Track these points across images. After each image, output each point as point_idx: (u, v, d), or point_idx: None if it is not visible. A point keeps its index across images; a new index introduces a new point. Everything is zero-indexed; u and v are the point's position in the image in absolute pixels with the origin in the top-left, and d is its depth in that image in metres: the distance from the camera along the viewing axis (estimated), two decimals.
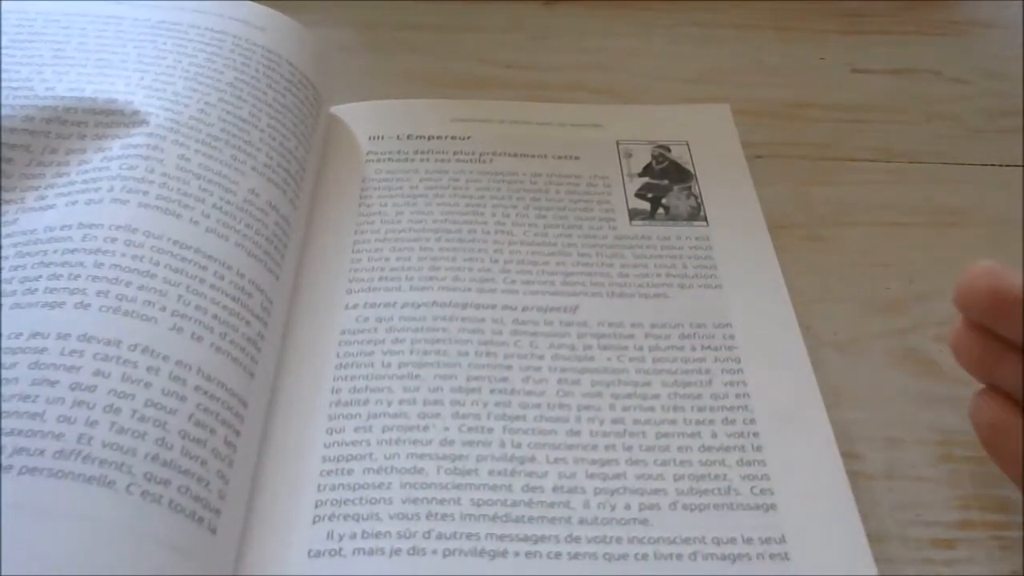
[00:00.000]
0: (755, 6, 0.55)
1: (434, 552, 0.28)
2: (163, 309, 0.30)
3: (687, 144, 0.43)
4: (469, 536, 0.29)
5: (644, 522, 0.29)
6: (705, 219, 0.40)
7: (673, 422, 0.32)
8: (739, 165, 0.43)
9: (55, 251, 0.31)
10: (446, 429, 0.31)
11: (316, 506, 0.29)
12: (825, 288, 0.38)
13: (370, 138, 0.43)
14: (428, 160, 0.42)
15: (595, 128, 0.44)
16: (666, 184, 0.41)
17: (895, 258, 0.40)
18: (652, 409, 0.32)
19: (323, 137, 0.42)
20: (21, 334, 0.28)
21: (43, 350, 0.28)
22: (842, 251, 0.40)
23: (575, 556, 0.28)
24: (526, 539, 0.29)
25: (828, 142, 0.46)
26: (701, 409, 0.33)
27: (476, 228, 0.39)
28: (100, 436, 0.26)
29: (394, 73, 0.49)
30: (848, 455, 0.32)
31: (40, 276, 0.30)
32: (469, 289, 0.36)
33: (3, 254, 0.31)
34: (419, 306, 0.35)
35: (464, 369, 0.33)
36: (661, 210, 0.40)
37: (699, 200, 0.41)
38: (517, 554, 0.28)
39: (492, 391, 0.33)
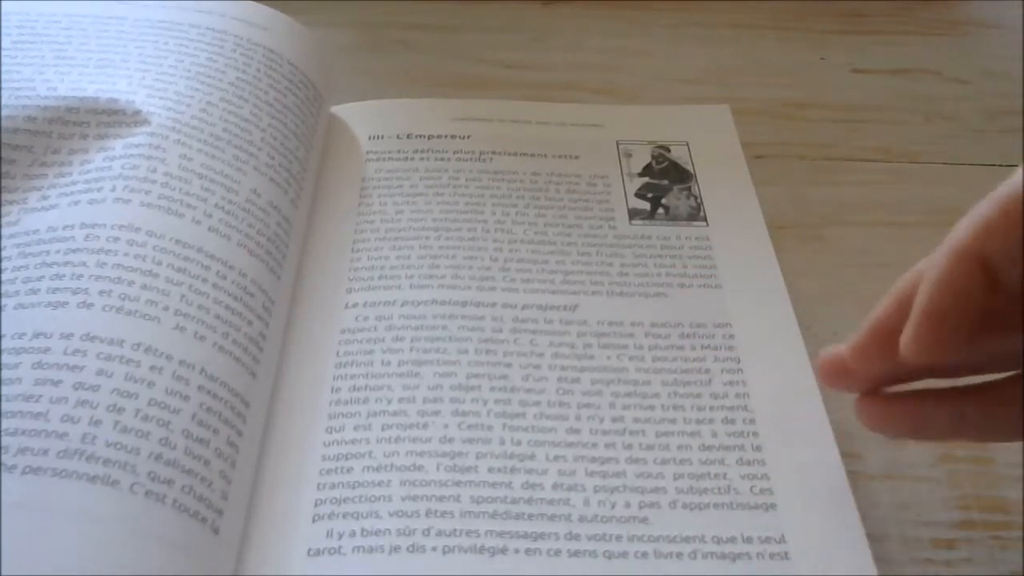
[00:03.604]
0: (755, 6, 0.55)
1: (434, 549, 0.28)
2: (166, 309, 0.30)
3: (687, 144, 0.43)
4: (469, 533, 0.29)
5: (644, 520, 0.29)
6: (705, 219, 0.40)
7: (673, 421, 0.32)
8: (739, 165, 0.43)
9: (58, 251, 0.31)
10: (446, 427, 0.32)
11: (316, 505, 0.29)
12: (825, 288, 0.39)
13: (370, 137, 0.43)
14: (428, 159, 0.42)
15: (595, 128, 0.44)
16: (666, 184, 0.42)
17: (895, 258, 0.40)
18: (652, 408, 0.33)
19: (323, 137, 0.42)
20: (24, 334, 0.28)
21: (46, 350, 0.28)
22: (842, 251, 0.40)
23: (575, 554, 0.28)
24: (526, 536, 0.29)
25: (828, 142, 0.46)
26: (701, 408, 0.33)
27: (476, 226, 0.39)
28: (104, 435, 0.26)
29: (394, 73, 0.49)
30: (848, 455, 0.32)
31: (43, 276, 0.30)
32: (469, 287, 0.36)
33: (6, 254, 0.31)
34: (419, 304, 0.36)
35: (464, 367, 0.33)
36: (661, 210, 0.40)
37: (699, 200, 0.41)
38: (517, 551, 0.28)
39: (492, 389, 0.33)
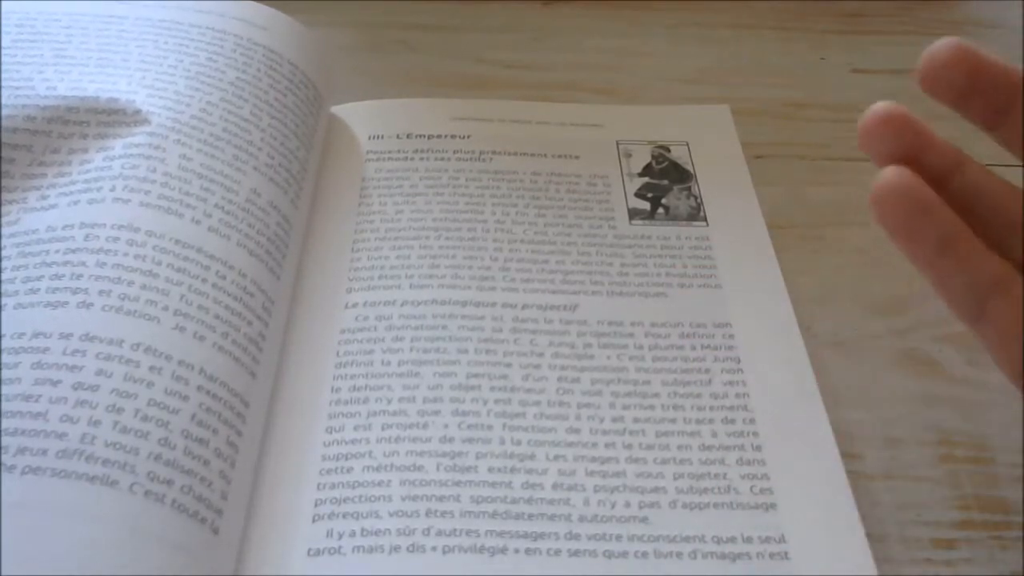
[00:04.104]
0: (755, 6, 0.55)
1: (434, 549, 0.28)
2: (165, 309, 0.30)
3: (687, 144, 0.43)
4: (469, 533, 0.29)
5: (644, 520, 0.29)
6: (705, 219, 0.40)
7: (673, 421, 0.32)
8: (739, 165, 0.43)
9: (57, 251, 0.31)
10: (446, 427, 0.32)
11: (316, 505, 0.29)
12: (825, 288, 0.39)
13: (370, 137, 0.43)
14: (428, 159, 0.42)
15: (595, 128, 0.44)
16: (666, 184, 0.42)
17: (895, 258, 0.40)
18: (652, 408, 0.33)
19: (323, 137, 0.42)
20: (24, 334, 0.28)
21: (45, 350, 0.28)
22: (842, 251, 0.40)
23: (575, 554, 0.28)
24: (526, 536, 0.29)
25: (828, 142, 0.46)
26: (701, 408, 0.33)
27: (476, 226, 0.39)
28: (103, 436, 0.26)
29: (394, 73, 0.49)
30: (848, 455, 0.32)
31: (42, 276, 0.30)
32: (469, 287, 0.36)
33: (5, 254, 0.31)
34: (419, 304, 0.35)
35: (464, 367, 0.33)
36: (661, 210, 0.40)
37: (699, 200, 0.41)
38: (517, 551, 0.28)
39: (492, 389, 0.33)
